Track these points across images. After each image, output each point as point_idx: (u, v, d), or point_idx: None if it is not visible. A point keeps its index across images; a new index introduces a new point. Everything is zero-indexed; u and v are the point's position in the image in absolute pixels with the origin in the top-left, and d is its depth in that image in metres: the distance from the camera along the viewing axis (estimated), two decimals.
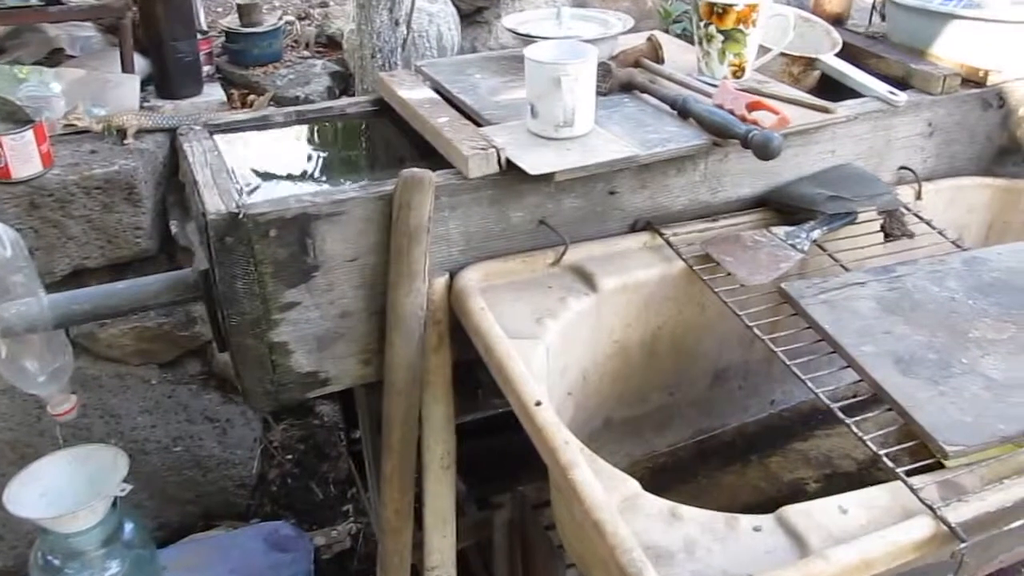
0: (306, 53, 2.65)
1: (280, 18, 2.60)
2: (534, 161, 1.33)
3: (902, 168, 1.71)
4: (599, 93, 1.59)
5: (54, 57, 2.62)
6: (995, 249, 1.50)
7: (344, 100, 1.78)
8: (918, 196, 1.71)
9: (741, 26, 1.60)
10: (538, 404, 1.14)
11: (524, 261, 1.42)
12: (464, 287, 1.35)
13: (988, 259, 1.46)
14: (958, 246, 1.54)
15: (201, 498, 2.40)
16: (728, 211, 1.56)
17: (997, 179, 1.79)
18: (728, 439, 1.64)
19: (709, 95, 1.55)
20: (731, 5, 1.59)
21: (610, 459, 1.12)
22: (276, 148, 1.62)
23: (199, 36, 2.50)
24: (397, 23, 2.16)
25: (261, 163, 1.55)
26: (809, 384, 1.20)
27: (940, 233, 1.57)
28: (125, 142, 2.20)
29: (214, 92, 2.42)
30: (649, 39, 1.72)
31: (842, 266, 1.48)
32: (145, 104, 2.38)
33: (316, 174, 1.53)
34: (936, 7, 1.76)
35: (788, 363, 1.24)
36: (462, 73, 1.71)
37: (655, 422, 1.59)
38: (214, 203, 1.29)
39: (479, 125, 1.50)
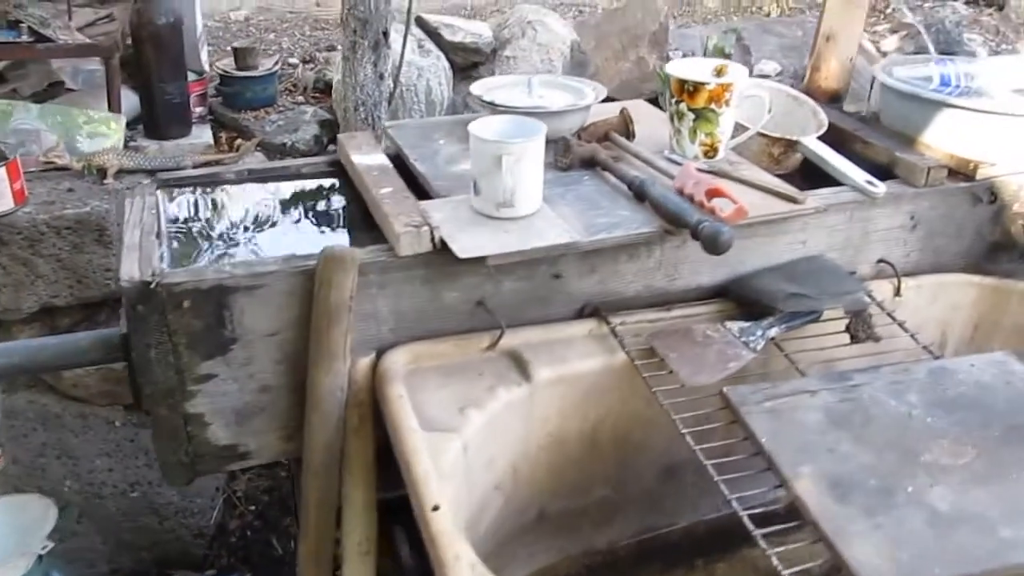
0: (300, 99, 2.62)
1: (276, 63, 2.58)
2: (466, 243, 1.27)
3: (881, 261, 1.62)
4: (559, 168, 1.54)
5: (53, 89, 2.62)
6: (969, 359, 1.40)
7: (301, 160, 1.73)
8: (897, 292, 1.61)
9: (713, 105, 1.53)
10: (435, 509, 1.06)
11: (457, 344, 1.35)
12: (386, 371, 1.29)
13: (958, 371, 1.36)
14: (930, 352, 1.44)
15: (156, 545, 2.34)
16: (686, 300, 1.48)
17: (985, 277, 1.69)
18: (675, 539, 1.55)
19: (673, 176, 1.48)
20: (703, 83, 1.52)
21: (542, 555, 1.04)
22: (226, 207, 1.57)
23: (195, 77, 2.49)
24: (382, 76, 2.12)
25: (202, 224, 1.50)
26: (734, 503, 1.11)
27: (912, 337, 1.47)
28: (105, 182, 2.17)
29: (202, 134, 2.39)
30: (621, 112, 1.65)
31: (798, 369, 1.38)
32: (131, 144, 2.36)
33: (255, 239, 1.48)
34: (927, 93, 1.67)
35: (716, 477, 1.15)
36: (428, 137, 1.66)
37: (596, 517, 1.50)
38: (129, 269, 1.23)
39: (428, 197, 1.44)
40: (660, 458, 1.51)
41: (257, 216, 1.54)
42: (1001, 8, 3.79)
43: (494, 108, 1.59)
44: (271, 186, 1.62)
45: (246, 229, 1.50)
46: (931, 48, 3.02)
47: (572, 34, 2.67)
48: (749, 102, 1.57)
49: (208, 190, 1.58)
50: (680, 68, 1.56)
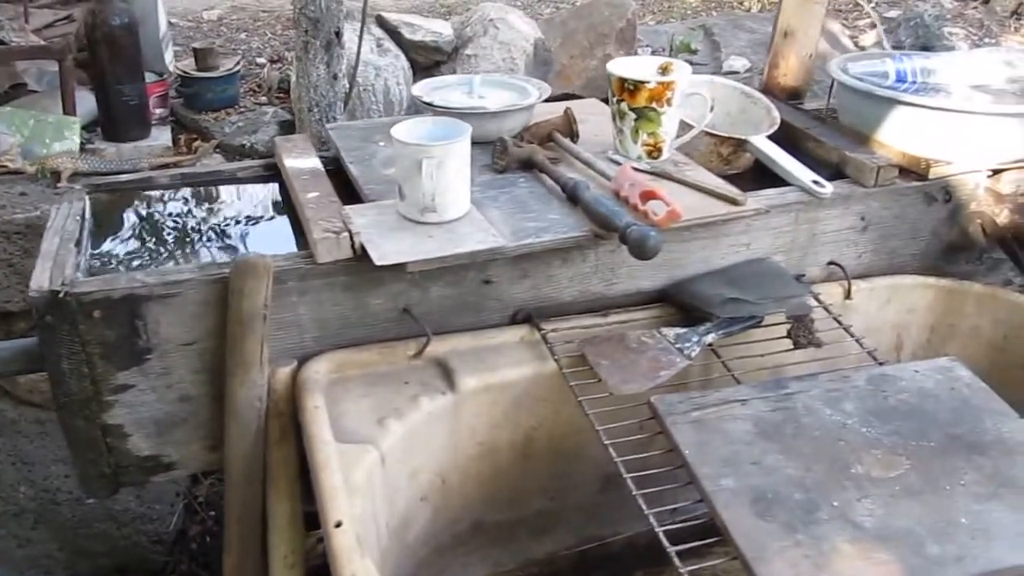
0: (264, 99, 2.59)
1: (237, 63, 2.54)
2: (386, 249, 1.23)
3: (831, 264, 1.58)
4: (495, 170, 1.50)
5: (15, 91, 2.59)
6: (913, 365, 1.36)
7: (236, 164, 1.70)
8: (847, 295, 1.57)
9: (655, 104, 1.49)
10: (337, 525, 1.03)
11: (382, 352, 1.31)
12: (304, 380, 1.25)
13: (900, 378, 1.32)
14: (873, 358, 1.40)
15: (115, 552, 2.30)
16: (625, 304, 1.44)
17: (941, 279, 1.65)
18: (616, 550, 1.51)
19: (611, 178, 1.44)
20: (643, 82, 1.47)
21: (478, 566, 1.01)
22: (159, 213, 1.53)
23: (156, 78, 2.45)
24: (336, 77, 2.08)
25: (130, 231, 1.47)
26: (651, 518, 1.08)
27: (857, 342, 1.43)
28: (59, 186, 2.14)
29: (162, 136, 2.36)
30: (565, 112, 1.61)
31: (734, 377, 1.34)
32: (89, 146, 2.33)
33: (181, 246, 1.44)
34: (879, 90, 1.62)
35: (634, 491, 1.11)
36: (369, 139, 1.62)
37: (533, 527, 1.46)
38: (39, 279, 1.20)
39: (359, 200, 1.41)
40: (599, 467, 1.47)
41: (186, 223, 1.51)
42: (986, 1, 3.73)
43: (432, 109, 1.56)
44: (208, 190, 1.58)
45: (171, 236, 1.46)
46: (905, 42, 2.97)
47: (536, 32, 2.62)
48: (692, 101, 1.53)
49: (140, 195, 1.54)
50: (621, 66, 1.52)
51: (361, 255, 1.25)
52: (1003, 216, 1.63)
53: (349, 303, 1.30)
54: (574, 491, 1.47)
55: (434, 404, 1.26)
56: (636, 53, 2.79)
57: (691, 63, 2.88)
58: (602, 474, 1.49)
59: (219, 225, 1.50)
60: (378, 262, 1.20)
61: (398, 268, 1.25)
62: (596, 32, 2.67)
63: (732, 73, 2.75)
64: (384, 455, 1.19)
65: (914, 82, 1.70)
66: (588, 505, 1.49)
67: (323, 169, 1.48)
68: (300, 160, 1.50)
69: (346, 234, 1.24)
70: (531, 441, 1.38)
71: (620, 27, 2.68)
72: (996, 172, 1.64)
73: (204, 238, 1.46)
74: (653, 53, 2.90)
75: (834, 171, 1.62)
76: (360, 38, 2.13)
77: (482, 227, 1.29)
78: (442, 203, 1.27)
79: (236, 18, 3.42)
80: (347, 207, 1.34)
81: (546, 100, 1.65)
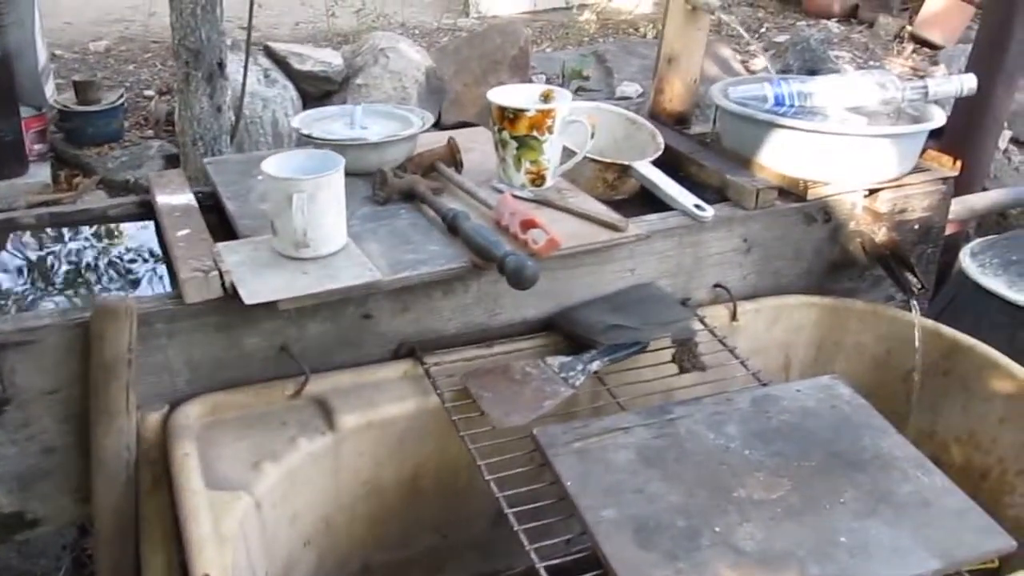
0: (151, 133, 2.52)
1: (121, 96, 2.47)
2: (257, 287, 1.19)
3: (717, 286, 1.59)
4: (376, 202, 1.48)
5: None
6: (795, 385, 1.37)
7: (108, 201, 1.64)
8: (734, 316, 1.58)
9: (535, 132, 1.48)
10: None
11: (259, 393, 1.27)
12: (174, 426, 1.20)
13: (782, 398, 1.33)
14: (757, 379, 1.41)
15: None
16: (511, 334, 1.43)
17: (824, 297, 1.68)
18: None
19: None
20: (523, 111, 1.47)
21: None
22: (23, 255, 1.46)
23: (33, 113, 2.37)
24: (220, 109, 2.03)
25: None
26: (532, 555, 1.06)
27: (742, 364, 1.44)
28: None
29: (40, 173, 2.27)
30: (448, 141, 1.59)
31: (619, 404, 1.34)
32: None
33: (47, 290, 1.38)
34: (757, 114, 1.65)
35: (516, 526, 1.10)
36: (248, 173, 1.57)
37: (425, 565, 1.43)
38: None
39: (237, 237, 1.37)
40: (490, 502, 1.43)
41: (52, 264, 1.44)
42: (871, 26, 3.86)
43: (310, 141, 1.53)
44: (81, 230, 1.52)
45: (35, 279, 1.40)
46: (793, 66, 3.05)
47: (427, 60, 2.61)
48: (573, 128, 1.53)
49: (3, 236, 1.47)
50: (501, 95, 1.51)
51: (233, 294, 1.21)
52: (881, 234, 1.67)
53: (222, 343, 1.25)
54: (465, 527, 1.44)
55: (313, 445, 1.22)
56: (530, 80, 2.80)
57: (584, 89, 2.91)
58: (494, 509, 1.45)
59: (89, 266, 1.44)
60: (248, 301, 1.17)
61: (273, 306, 1.21)
62: (489, 60, 2.67)
63: (625, 98, 2.79)
64: (259, 501, 1.15)
65: (792, 105, 1.74)
66: (480, 540, 1.46)
67: (196, 205, 1.43)
68: (173, 196, 1.45)
69: (216, 273, 1.20)
70: (418, 478, 1.35)
71: (513, 54, 2.69)
72: (872, 192, 1.68)
73: (71, 280, 1.40)
74: (547, 80, 2.92)
75: (717, 194, 1.63)
76: (245, 69, 2.09)
77: (358, 261, 1.26)
78: (315, 238, 1.24)
79: (124, 49, 3.33)
80: (220, 244, 1.30)
81: (443, 128, 1.64)
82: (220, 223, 1.47)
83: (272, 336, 1.27)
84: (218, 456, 1.18)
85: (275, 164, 1.26)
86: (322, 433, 1.24)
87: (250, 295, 1.17)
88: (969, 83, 1.78)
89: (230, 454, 1.19)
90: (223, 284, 1.20)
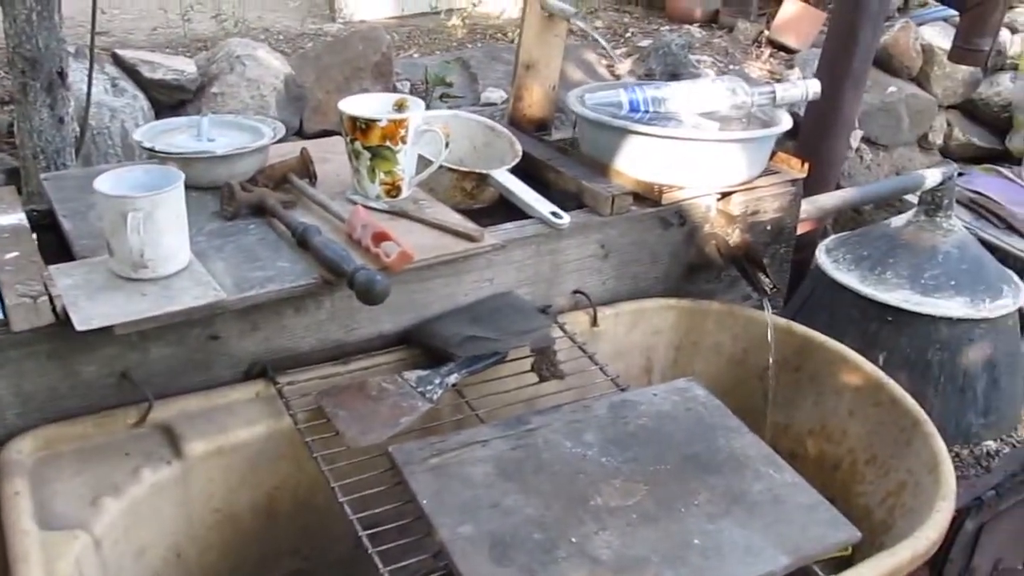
0: None
1: None
2: (91, 312, 1.13)
3: (577, 292, 1.60)
4: (224, 217, 1.42)
5: None
6: (652, 389, 1.39)
7: None
8: (594, 322, 1.60)
9: (388, 143, 1.46)
10: None
11: (99, 423, 1.21)
12: (3, 463, 1.13)
13: (639, 403, 1.34)
14: (616, 384, 1.42)
15: None
16: (368, 349, 1.40)
17: (682, 299, 1.71)
18: None
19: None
20: (374, 121, 1.44)
21: None
22: None
23: None
24: (62, 121, 1.93)
25: None
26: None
27: (601, 369, 1.45)
28: None
29: None
30: (301, 152, 1.55)
31: (478, 417, 1.33)
32: None
33: None
34: (610, 120, 1.66)
35: (370, 549, 1.07)
36: (88, 189, 1.48)
37: None
38: None
39: (71, 258, 1.30)
40: (351, 523, 1.41)
41: None
42: (731, 31, 3.98)
43: (154, 154, 1.47)
44: None
45: None
46: (656, 70, 3.11)
47: (286, 68, 2.55)
48: (427, 137, 1.51)
49: None
50: (352, 105, 1.49)
51: (65, 319, 1.14)
52: (735, 236, 1.71)
53: (57, 373, 1.18)
54: (329, 548, 1.40)
55: (158, 475, 1.17)
56: (394, 86, 2.77)
57: (448, 96, 2.90)
58: (355, 529, 1.43)
59: None
60: (79, 327, 1.10)
61: (111, 330, 1.15)
62: (351, 67, 2.63)
63: (490, 104, 2.79)
64: (99, 539, 1.09)
65: (647, 111, 1.76)
66: (345, 560, 1.42)
67: (28, 225, 1.35)
68: (3, 216, 1.37)
69: (45, 298, 1.14)
70: (275, 501, 1.31)
71: (375, 61, 2.66)
72: (725, 195, 1.72)
73: None
74: (411, 86, 2.89)
75: (575, 201, 1.64)
76: (89, 78, 1.99)
77: (201, 280, 1.22)
78: (154, 258, 1.19)
79: None
80: (52, 267, 1.23)
81: (305, 136, 1.59)
82: (59, 243, 1.39)
83: (112, 362, 1.21)
84: (53, 493, 1.12)
85: (109, 181, 1.20)
86: (168, 462, 1.18)
87: (82, 321, 1.11)
88: (814, 88, 1.85)
89: (66, 490, 1.12)
90: (54, 310, 1.14)
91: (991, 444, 2.44)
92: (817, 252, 2.50)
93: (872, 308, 2.28)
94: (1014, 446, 2.47)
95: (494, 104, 2.77)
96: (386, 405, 1.27)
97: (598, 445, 1.24)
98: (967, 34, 3.42)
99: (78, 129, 1.99)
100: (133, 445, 1.20)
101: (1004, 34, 4.17)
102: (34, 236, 1.35)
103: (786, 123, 1.75)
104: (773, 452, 1.28)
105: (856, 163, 3.74)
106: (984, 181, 3.64)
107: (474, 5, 3.73)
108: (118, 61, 2.41)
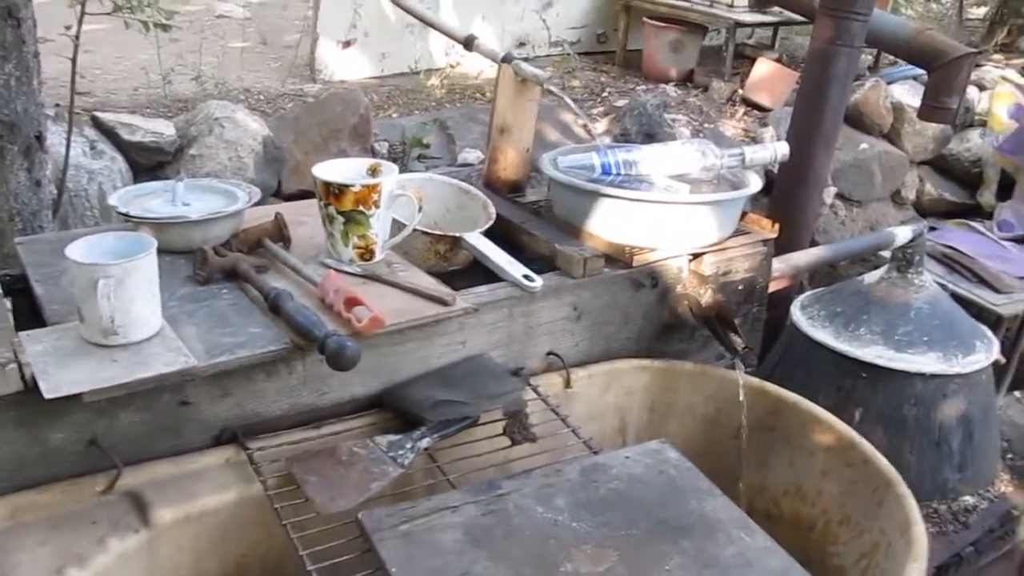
0: None
1: None
2: (60, 379, 1.13)
3: (550, 354, 1.61)
4: (196, 282, 1.43)
5: None
6: (624, 452, 1.39)
7: None
8: (567, 383, 1.60)
9: (362, 207, 1.47)
10: None
11: (66, 491, 1.20)
12: None
13: (610, 466, 1.34)
14: (588, 447, 1.42)
15: None
16: (340, 414, 1.40)
17: (655, 360, 1.72)
18: None
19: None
20: (347, 186, 1.46)
21: None
22: None
23: None
24: (40, 183, 1.94)
25: None
26: None
27: (574, 432, 1.45)
28: None
29: None
30: (276, 216, 1.57)
31: (449, 482, 1.33)
32: None
33: None
34: (582, 183, 1.69)
35: None
36: (62, 253, 1.50)
37: None
38: None
39: (43, 322, 1.30)
40: None
41: None
42: (706, 90, 4.05)
43: (128, 219, 1.48)
44: None
45: None
46: (631, 130, 3.16)
47: (264, 129, 2.58)
48: (400, 201, 1.53)
49: None
50: (326, 170, 1.50)
51: (34, 386, 1.14)
52: (707, 296, 1.73)
53: (24, 440, 1.18)
54: None
55: (125, 544, 1.16)
56: (372, 147, 2.80)
57: (425, 157, 2.93)
58: None
59: None
60: (48, 395, 1.10)
61: (80, 397, 1.15)
62: (329, 128, 2.66)
63: (466, 165, 2.82)
64: None
65: (619, 174, 1.79)
66: None
67: (0, 290, 1.35)
68: None
69: (14, 365, 1.13)
70: (243, 569, 1.30)
71: (353, 122, 2.69)
72: (697, 256, 1.74)
73: None
74: (390, 147, 2.92)
75: (548, 263, 1.66)
76: (68, 141, 2.01)
77: (172, 347, 1.22)
78: (125, 324, 1.19)
79: None
80: (23, 333, 1.23)
81: (283, 196, 1.60)
82: (32, 307, 1.40)
83: (80, 429, 1.21)
84: (16, 564, 1.10)
85: (81, 248, 1.21)
86: (135, 530, 1.17)
87: (51, 389, 1.11)
88: (782, 150, 1.88)
89: (30, 561, 1.11)
90: (23, 377, 1.14)
91: (968, 499, 2.45)
92: (792, 308, 2.53)
93: (847, 364, 2.31)
94: (991, 501, 2.48)
95: (471, 164, 2.80)
96: (357, 470, 1.27)
97: (569, 510, 1.24)
98: (935, 92, 3.51)
99: (55, 191, 2.00)
100: (101, 513, 1.19)
101: (972, 91, 4.26)
102: (7, 300, 1.35)
103: (755, 185, 1.78)
104: (745, 515, 1.28)
105: (831, 219, 3.79)
106: (957, 235, 3.70)
107: (452, 67, 3.78)
108: (97, 123, 2.43)
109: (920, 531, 1.36)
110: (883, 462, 1.51)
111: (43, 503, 1.18)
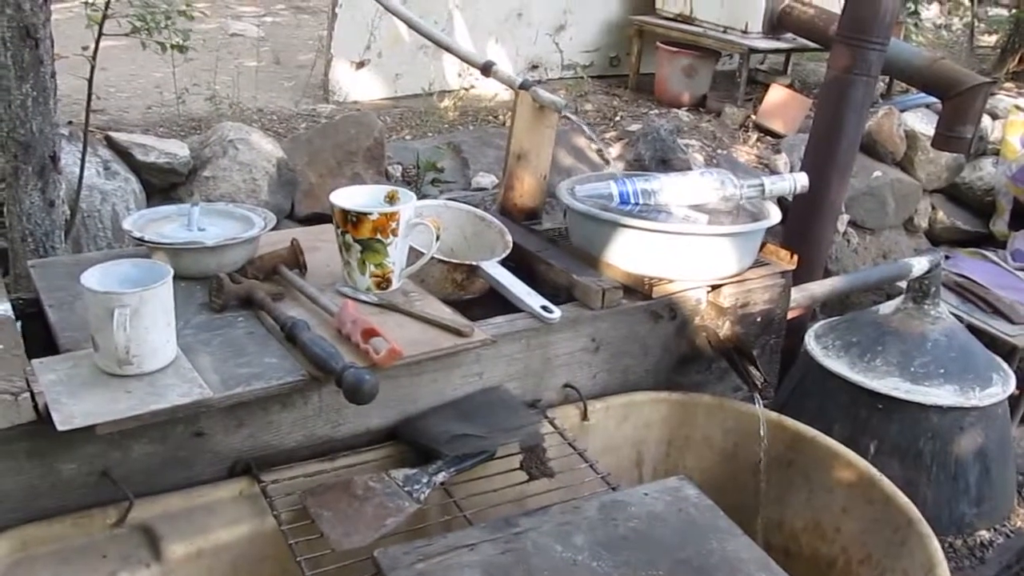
0: None
1: None
2: (73, 410, 1.11)
3: (567, 386, 1.58)
4: (212, 310, 1.41)
5: None
6: (643, 488, 1.37)
7: None
8: (584, 416, 1.58)
9: (379, 236, 1.46)
10: None
11: (77, 523, 1.18)
12: None
13: (629, 503, 1.32)
14: (607, 483, 1.40)
15: None
16: (355, 446, 1.38)
17: (673, 392, 1.69)
18: None
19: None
20: (365, 214, 1.44)
21: None
22: None
23: None
24: (53, 204, 1.93)
25: None
26: None
27: (591, 467, 1.43)
28: None
29: None
30: (292, 243, 1.55)
31: (466, 518, 1.30)
32: None
33: None
34: (600, 213, 1.67)
35: None
36: (77, 277, 1.48)
37: None
38: None
39: (56, 348, 1.28)
40: None
41: None
42: (718, 115, 4.04)
43: (142, 244, 1.46)
44: None
45: None
46: (644, 155, 3.14)
47: (278, 151, 2.57)
48: (418, 230, 1.51)
49: None
50: (344, 198, 1.49)
51: (47, 416, 1.12)
52: (725, 328, 1.71)
53: (35, 471, 1.16)
54: None
55: None
56: (386, 170, 2.79)
57: (439, 181, 2.92)
58: None
59: None
60: (60, 427, 1.08)
61: (91, 428, 1.13)
62: (343, 150, 2.65)
63: (480, 189, 2.80)
64: None
65: (637, 203, 1.77)
66: None
67: (12, 316, 1.34)
68: None
69: (27, 394, 1.12)
70: None
71: (367, 145, 2.68)
72: (715, 287, 1.72)
73: None
74: (403, 170, 2.91)
75: (565, 293, 1.64)
76: (82, 162, 2.00)
77: (187, 377, 1.20)
78: (140, 354, 1.17)
79: None
80: (36, 361, 1.21)
81: (297, 219, 1.59)
82: (45, 333, 1.38)
83: (92, 461, 1.19)
84: None
85: (96, 276, 1.19)
86: (146, 565, 1.15)
87: (64, 420, 1.09)
88: (802, 181, 1.87)
89: None
90: (35, 407, 1.12)
91: (984, 534, 2.41)
92: (806, 338, 2.50)
93: (862, 395, 2.28)
94: (1008, 536, 2.45)
95: (485, 189, 2.79)
96: (372, 505, 1.25)
97: (588, 549, 1.21)
98: (950, 121, 3.49)
99: (68, 212, 1.99)
100: (111, 547, 1.17)
101: (986, 120, 4.24)
102: (19, 324, 1.34)
103: (775, 216, 1.77)
104: (766, 555, 1.25)
105: (843, 246, 3.76)
106: (970, 265, 3.68)
107: (466, 89, 3.78)
108: (111, 144, 2.42)
109: (944, 573, 1.34)
110: (904, 500, 1.49)
111: (54, 535, 1.16)
